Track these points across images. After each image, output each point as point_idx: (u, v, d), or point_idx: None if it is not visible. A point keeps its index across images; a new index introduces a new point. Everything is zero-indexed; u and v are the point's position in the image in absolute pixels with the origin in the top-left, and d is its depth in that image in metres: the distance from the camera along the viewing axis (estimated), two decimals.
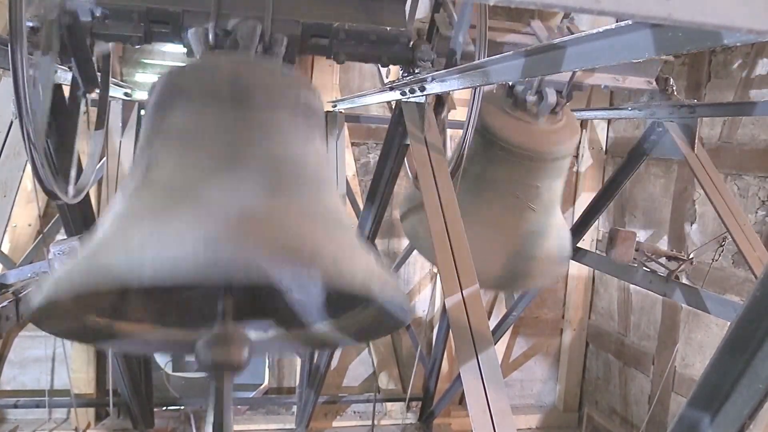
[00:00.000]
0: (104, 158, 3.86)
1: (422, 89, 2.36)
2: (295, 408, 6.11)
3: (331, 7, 2.41)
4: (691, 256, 3.62)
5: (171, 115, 1.34)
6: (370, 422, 6.13)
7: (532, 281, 3.81)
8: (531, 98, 3.30)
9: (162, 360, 6.13)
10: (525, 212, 3.43)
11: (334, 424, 6.34)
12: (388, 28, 2.49)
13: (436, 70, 2.26)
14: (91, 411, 5.61)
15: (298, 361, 5.88)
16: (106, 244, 1.09)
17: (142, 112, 3.99)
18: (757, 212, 4.67)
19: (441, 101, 2.85)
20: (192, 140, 1.28)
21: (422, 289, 6.45)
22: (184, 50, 2.32)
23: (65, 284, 1.05)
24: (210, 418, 1.17)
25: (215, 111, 1.33)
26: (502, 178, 3.40)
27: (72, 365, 5.37)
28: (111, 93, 2.83)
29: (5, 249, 4.70)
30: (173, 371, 6.13)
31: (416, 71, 2.56)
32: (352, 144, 5.98)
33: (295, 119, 1.38)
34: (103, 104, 2.51)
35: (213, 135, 1.28)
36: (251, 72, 1.51)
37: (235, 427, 6.05)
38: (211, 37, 2.11)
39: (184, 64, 1.52)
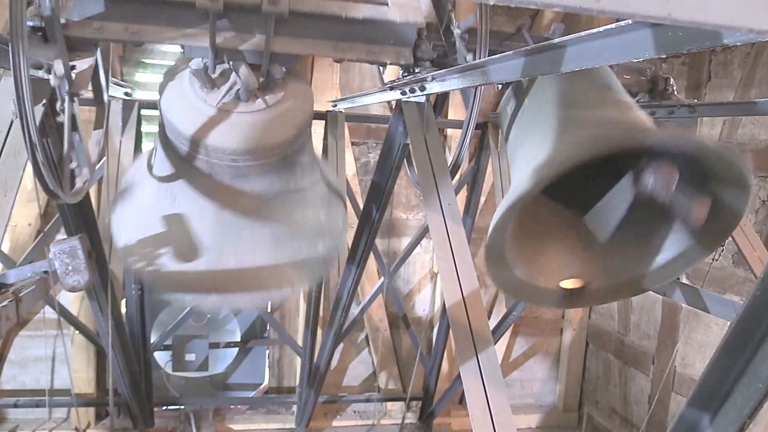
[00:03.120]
0: (104, 158, 3.86)
1: (422, 89, 2.35)
2: (295, 407, 6.12)
3: (331, 43, 2.34)
4: None
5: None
6: (370, 422, 6.13)
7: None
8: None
9: (162, 360, 6.13)
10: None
11: (334, 423, 6.34)
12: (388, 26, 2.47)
13: (436, 70, 2.26)
14: (91, 410, 5.61)
15: (298, 360, 5.88)
16: None
17: (143, 111, 4.00)
18: (757, 212, 4.67)
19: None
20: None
21: (422, 289, 6.44)
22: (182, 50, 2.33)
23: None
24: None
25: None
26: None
27: (72, 365, 5.37)
28: (111, 93, 2.83)
29: (5, 248, 4.70)
30: (173, 371, 6.13)
31: (416, 71, 2.56)
32: (352, 143, 5.97)
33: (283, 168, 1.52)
34: (103, 104, 2.51)
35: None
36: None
37: (235, 427, 6.06)
38: (210, 72, 2.20)
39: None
